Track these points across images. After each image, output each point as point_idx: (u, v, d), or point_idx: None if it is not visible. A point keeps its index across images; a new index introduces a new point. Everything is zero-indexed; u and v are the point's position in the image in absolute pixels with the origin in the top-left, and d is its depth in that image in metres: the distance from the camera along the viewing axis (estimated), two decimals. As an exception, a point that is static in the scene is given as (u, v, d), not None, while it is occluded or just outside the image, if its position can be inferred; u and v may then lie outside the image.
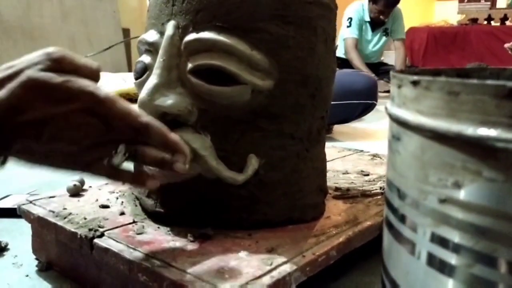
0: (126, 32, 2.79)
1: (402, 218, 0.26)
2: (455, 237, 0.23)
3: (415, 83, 0.24)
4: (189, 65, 0.49)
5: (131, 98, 2.31)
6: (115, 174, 0.42)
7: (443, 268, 0.23)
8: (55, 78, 0.36)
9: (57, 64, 0.37)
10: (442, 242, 0.23)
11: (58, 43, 2.46)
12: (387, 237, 0.29)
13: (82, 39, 2.54)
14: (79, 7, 2.57)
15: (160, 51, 0.50)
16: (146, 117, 0.41)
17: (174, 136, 0.42)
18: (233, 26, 0.48)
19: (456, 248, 0.23)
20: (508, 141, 0.20)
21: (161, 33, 0.52)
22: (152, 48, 0.53)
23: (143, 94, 0.49)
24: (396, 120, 0.27)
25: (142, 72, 0.54)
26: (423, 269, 0.25)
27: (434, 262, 0.24)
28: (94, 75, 0.39)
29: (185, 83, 0.50)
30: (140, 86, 0.53)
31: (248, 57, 0.48)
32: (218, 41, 0.48)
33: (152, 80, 0.49)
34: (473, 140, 0.21)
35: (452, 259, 0.23)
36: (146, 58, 0.54)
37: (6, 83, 0.36)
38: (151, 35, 0.53)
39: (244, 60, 0.48)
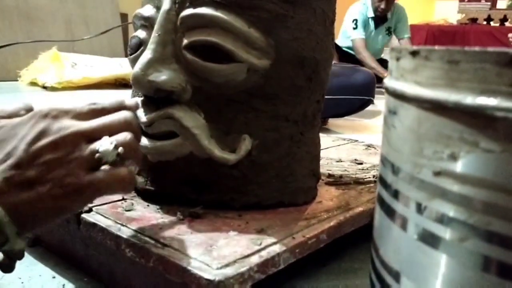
0: (124, 17, 2.76)
1: (395, 194, 0.26)
2: (448, 210, 0.22)
3: (414, 54, 0.24)
4: (185, 41, 0.48)
5: (127, 83, 2.29)
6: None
7: (435, 242, 0.23)
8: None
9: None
10: (435, 216, 0.23)
11: (54, 24, 2.44)
12: (378, 214, 0.29)
13: (79, 21, 2.51)
14: (77, -11, 2.55)
15: (156, 26, 0.49)
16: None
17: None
18: (230, 2, 0.47)
19: (449, 222, 0.22)
20: (508, 110, 0.19)
21: (158, 8, 0.50)
22: (147, 23, 0.52)
23: (136, 68, 0.48)
24: (393, 94, 0.26)
25: (137, 48, 0.53)
26: (414, 245, 0.24)
27: (426, 237, 0.23)
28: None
29: (180, 59, 0.49)
30: (134, 61, 0.52)
31: (245, 34, 0.47)
32: (215, 17, 0.47)
33: (147, 55, 0.48)
34: (471, 109, 0.20)
35: (444, 233, 0.22)
36: (141, 33, 0.53)
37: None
38: (147, 10, 0.52)
39: (240, 37, 0.47)
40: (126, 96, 0.58)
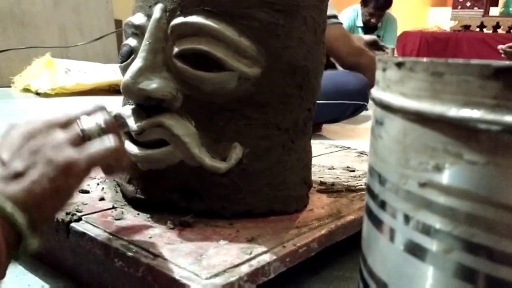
0: (118, 23, 2.75)
1: (382, 204, 0.26)
2: (433, 222, 0.22)
3: (399, 65, 0.24)
4: (175, 49, 0.48)
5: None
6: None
7: (422, 254, 0.23)
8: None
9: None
10: (421, 227, 0.23)
11: (48, 30, 2.43)
12: (366, 224, 0.29)
13: (73, 27, 2.51)
14: (72, -5, 2.54)
15: (146, 34, 0.49)
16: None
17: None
18: (221, 11, 0.47)
19: (434, 233, 0.22)
20: (491, 122, 0.19)
21: (148, 16, 0.51)
22: (138, 31, 0.52)
23: (127, 76, 0.48)
24: (379, 104, 0.26)
25: (128, 56, 0.53)
26: (401, 256, 0.24)
27: (413, 248, 0.23)
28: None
29: (170, 68, 0.49)
30: (124, 69, 0.52)
31: (235, 43, 0.47)
32: (206, 25, 0.47)
33: (137, 63, 0.48)
34: (455, 121, 0.20)
35: (430, 244, 0.22)
36: (132, 41, 0.53)
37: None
38: (138, 18, 0.52)
39: (231, 46, 0.47)
40: (118, 102, 0.57)
